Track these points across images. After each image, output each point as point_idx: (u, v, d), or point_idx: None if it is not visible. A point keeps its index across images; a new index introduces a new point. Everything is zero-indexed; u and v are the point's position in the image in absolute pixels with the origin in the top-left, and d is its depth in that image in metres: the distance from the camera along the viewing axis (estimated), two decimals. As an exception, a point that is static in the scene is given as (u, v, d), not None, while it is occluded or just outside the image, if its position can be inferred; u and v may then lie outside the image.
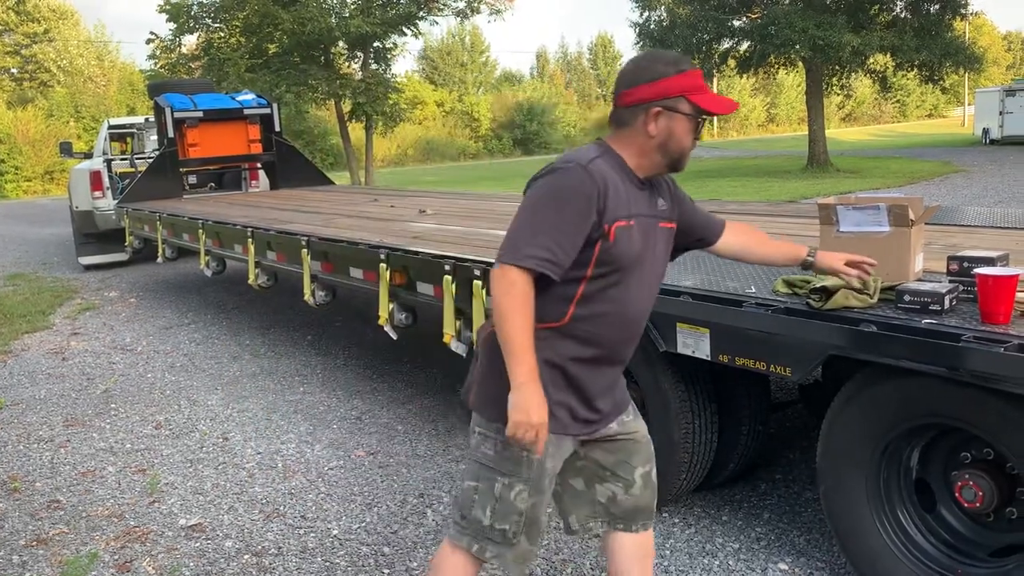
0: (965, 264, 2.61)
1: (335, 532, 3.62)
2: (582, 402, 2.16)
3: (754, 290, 2.95)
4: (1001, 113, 31.54)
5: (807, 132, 25.78)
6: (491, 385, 2.13)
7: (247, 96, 11.32)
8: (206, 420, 5.26)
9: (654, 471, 2.38)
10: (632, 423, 2.34)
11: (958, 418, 2.48)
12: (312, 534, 3.64)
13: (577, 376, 2.13)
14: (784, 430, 4.40)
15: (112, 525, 3.84)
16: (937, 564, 2.63)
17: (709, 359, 3.01)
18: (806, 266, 2.49)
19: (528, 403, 1.95)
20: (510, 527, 2.15)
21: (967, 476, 2.56)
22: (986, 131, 32.48)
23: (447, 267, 4.15)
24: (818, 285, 2.68)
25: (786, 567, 3.10)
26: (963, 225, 4.30)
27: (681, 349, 3.11)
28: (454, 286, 4.13)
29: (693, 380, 3.33)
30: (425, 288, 4.48)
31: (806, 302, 2.69)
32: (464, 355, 4.18)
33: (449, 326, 4.17)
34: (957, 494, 2.59)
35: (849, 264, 2.45)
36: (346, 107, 22.66)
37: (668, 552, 3.27)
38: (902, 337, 2.40)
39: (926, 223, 3.03)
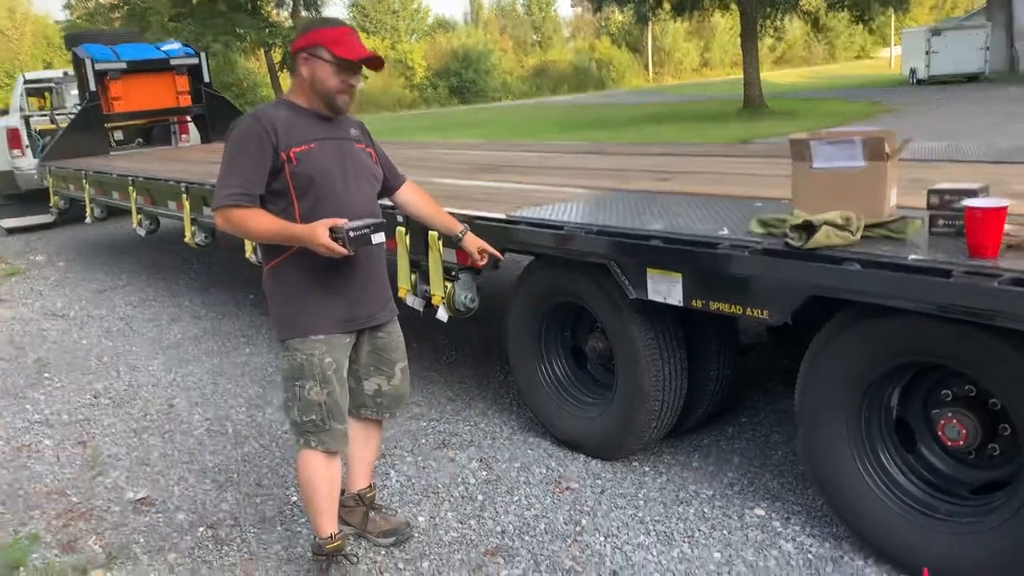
0: (946, 197, 2.53)
1: (294, 499, 3.46)
2: (345, 304, 2.70)
3: (727, 231, 2.83)
4: (927, 53, 31.92)
5: (741, 76, 25.81)
6: (275, 312, 2.74)
7: (173, 46, 10.78)
8: (148, 387, 5.01)
9: (407, 368, 2.98)
10: (393, 325, 2.92)
11: (943, 355, 2.42)
12: (270, 502, 3.47)
13: (331, 282, 2.66)
14: (746, 372, 4.35)
15: (53, 503, 3.62)
16: (919, 503, 2.60)
17: (681, 305, 2.90)
18: (455, 241, 3.18)
19: (307, 236, 2.47)
20: (316, 417, 2.70)
21: (950, 414, 2.51)
22: (913, 71, 32.90)
23: (399, 219, 3.95)
24: (797, 222, 2.58)
25: (763, 512, 3.05)
26: (923, 160, 4.26)
27: (652, 296, 2.99)
28: (408, 238, 3.94)
29: (662, 326, 3.22)
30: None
31: (785, 242, 2.59)
32: (421, 310, 4.01)
33: (404, 280, 3.99)
34: (940, 433, 2.54)
35: (480, 252, 3.13)
36: (276, 57, 21.91)
37: (642, 502, 3.19)
38: (889, 274, 2.31)
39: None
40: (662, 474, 3.41)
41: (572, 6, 74.58)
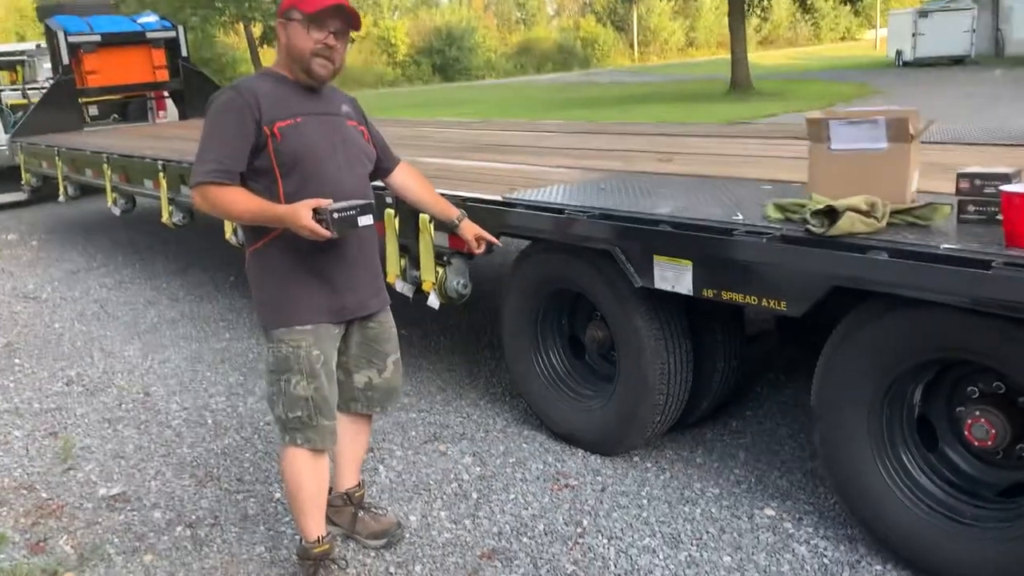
0: (977, 182, 2.37)
1: (278, 495, 3.28)
2: (334, 292, 2.50)
3: (741, 216, 2.66)
4: (914, 35, 31.86)
5: (727, 55, 25.62)
6: (258, 299, 2.55)
7: (149, 18, 10.48)
8: (123, 373, 4.80)
9: (400, 360, 2.78)
10: (385, 314, 2.72)
11: (972, 350, 2.27)
12: (252, 499, 3.29)
13: (319, 268, 2.47)
14: (749, 362, 4.20)
15: (21, 499, 3.42)
16: (942, 506, 2.45)
17: (691, 294, 2.73)
18: (451, 227, 3.00)
19: (289, 217, 2.29)
20: (303, 413, 2.51)
21: (977, 412, 2.36)
22: (899, 53, 32.82)
23: (388, 200, 3.75)
24: (818, 207, 2.41)
25: (772, 512, 2.90)
26: (933, 142, 4.10)
27: (659, 284, 2.82)
28: (397, 220, 3.75)
29: (667, 316, 3.05)
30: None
31: (805, 228, 2.42)
32: (411, 296, 3.83)
33: (393, 265, 3.79)
34: (967, 432, 2.40)
35: (478, 239, 2.97)
36: (256, 31, 21.48)
37: (646, 501, 3.03)
38: (920, 265, 2.15)
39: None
40: (665, 471, 3.25)
41: (557, -16, 73.77)
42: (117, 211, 6.96)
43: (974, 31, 30.80)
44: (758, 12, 26.77)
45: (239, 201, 2.38)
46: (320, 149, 2.45)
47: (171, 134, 8.35)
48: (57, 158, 7.77)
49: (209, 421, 4.05)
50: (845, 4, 27.16)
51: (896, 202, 2.50)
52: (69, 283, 7.06)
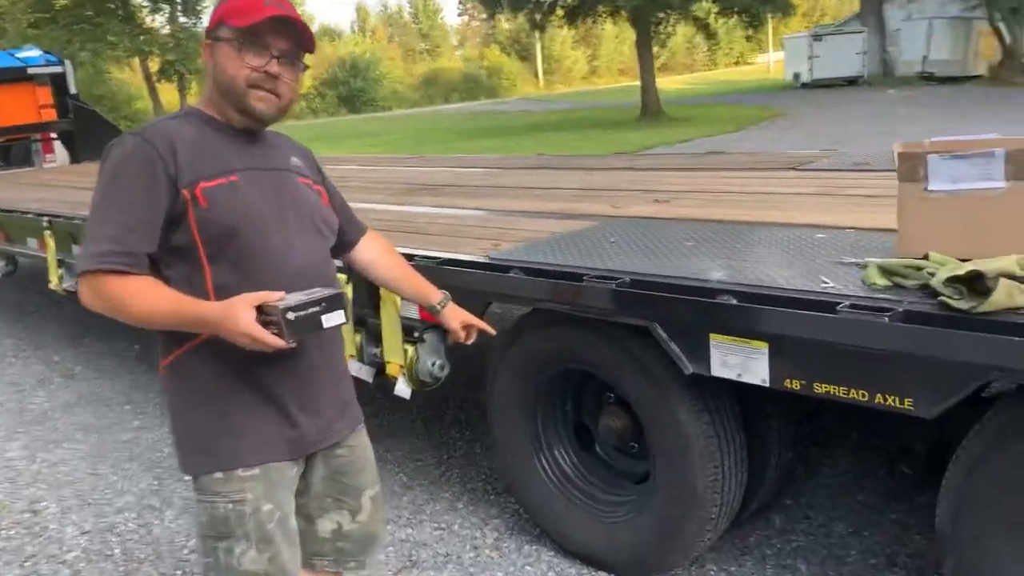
0: None
1: (216, 665, 2.48)
2: (286, 417, 1.81)
3: (830, 284, 2.05)
4: (810, 58, 32.88)
5: (628, 82, 25.76)
6: (179, 432, 1.83)
7: (32, 53, 9.49)
8: (5, 484, 3.88)
9: (381, 494, 2.07)
10: (358, 436, 2.01)
11: None
12: (181, 674, 2.49)
13: (265, 385, 1.78)
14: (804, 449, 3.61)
15: None
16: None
17: (767, 385, 2.10)
18: (433, 312, 2.23)
19: (220, 319, 1.60)
20: None
21: None
22: (797, 75, 33.85)
23: (338, 263, 3.01)
24: (955, 273, 1.81)
25: (870, 655, 2.29)
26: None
27: (717, 371, 2.17)
28: (350, 287, 3.02)
29: (718, 405, 2.41)
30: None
31: (940, 299, 1.82)
32: (370, 380, 3.10)
33: (347, 343, 3.05)
34: None
35: (465, 327, 2.21)
36: (153, 66, 20.30)
37: (706, 648, 2.37)
38: None
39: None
40: (715, 595, 2.60)
41: (460, 14, 73.98)
42: (-5, 275, 5.98)
43: (865, 53, 31.92)
44: (662, 38, 26.94)
45: (147, 296, 1.66)
46: (263, 218, 1.76)
47: (60, 181, 7.38)
48: (-80, 214, 6.70)
49: (116, 551, 3.19)
50: (749, 28, 27.57)
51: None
52: (-62, 360, 6.01)
